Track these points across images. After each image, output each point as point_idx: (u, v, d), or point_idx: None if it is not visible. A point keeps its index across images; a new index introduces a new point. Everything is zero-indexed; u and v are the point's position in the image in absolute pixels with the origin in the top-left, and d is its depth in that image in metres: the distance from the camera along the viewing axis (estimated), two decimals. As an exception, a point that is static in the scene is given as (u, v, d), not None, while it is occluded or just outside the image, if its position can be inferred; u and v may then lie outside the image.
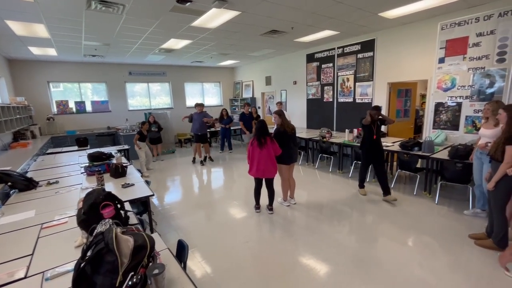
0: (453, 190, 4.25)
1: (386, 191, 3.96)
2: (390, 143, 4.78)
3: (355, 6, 3.97)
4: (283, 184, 3.94)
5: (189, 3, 3.51)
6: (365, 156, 4.19)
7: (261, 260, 2.68)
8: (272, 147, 3.52)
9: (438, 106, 4.72)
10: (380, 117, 3.94)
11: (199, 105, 6.55)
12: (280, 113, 3.80)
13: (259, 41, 6.02)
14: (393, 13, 4.36)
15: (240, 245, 2.95)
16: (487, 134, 3.18)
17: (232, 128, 8.10)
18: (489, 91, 4.13)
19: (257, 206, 3.77)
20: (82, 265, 1.12)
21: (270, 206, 3.72)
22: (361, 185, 4.30)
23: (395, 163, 5.20)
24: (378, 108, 3.94)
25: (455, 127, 4.55)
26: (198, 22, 4.40)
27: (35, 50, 6.01)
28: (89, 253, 1.17)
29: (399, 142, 4.57)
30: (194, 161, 6.79)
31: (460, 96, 4.45)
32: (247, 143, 6.79)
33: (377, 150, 4.03)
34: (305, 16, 4.39)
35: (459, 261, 2.54)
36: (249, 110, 7.27)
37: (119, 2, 3.44)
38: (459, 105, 4.47)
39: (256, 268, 2.56)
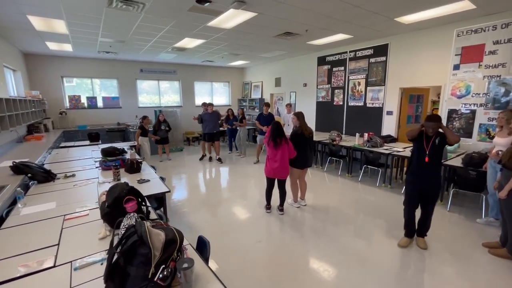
0: (464, 198, 4.22)
1: (422, 231, 2.90)
2: (401, 149, 4.77)
3: (372, 10, 3.97)
4: (292, 186, 3.95)
5: (208, 4, 3.55)
6: (409, 186, 2.83)
7: (273, 260, 2.70)
8: (287, 149, 3.54)
9: (452, 113, 4.69)
10: (440, 130, 2.61)
11: (211, 105, 6.63)
12: (299, 115, 3.79)
13: (272, 42, 6.05)
14: (409, 18, 4.35)
15: (252, 244, 2.97)
16: (501, 143, 3.17)
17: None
18: (504, 99, 4.10)
19: (268, 206, 3.79)
20: (116, 256, 1.15)
21: (280, 207, 3.74)
22: (406, 232, 2.94)
23: (405, 169, 5.16)
24: (436, 119, 2.60)
25: (468, 134, 4.51)
26: (214, 22, 4.45)
27: (52, 45, 6.13)
28: (121, 245, 1.20)
29: (411, 148, 4.54)
30: (202, 158, 6.92)
31: (474, 104, 4.41)
32: (259, 145, 6.76)
33: (430, 180, 2.69)
34: (320, 19, 4.40)
35: (470, 269, 2.52)
36: (269, 110, 6.75)
37: (139, 1, 3.50)
38: (473, 112, 4.44)
39: (268, 268, 2.58)
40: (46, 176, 2.89)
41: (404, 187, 2.86)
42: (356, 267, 2.55)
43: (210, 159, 6.86)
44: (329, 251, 2.82)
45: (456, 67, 4.54)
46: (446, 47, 4.68)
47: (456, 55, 4.52)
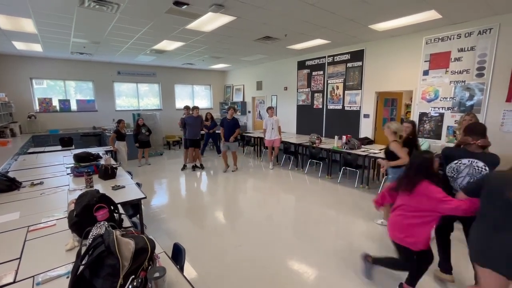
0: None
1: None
2: (377, 150, 4.95)
3: (347, 17, 4.12)
4: None
5: (185, 6, 3.51)
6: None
7: (253, 264, 2.68)
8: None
9: (422, 116, 4.95)
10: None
11: (196, 108, 6.16)
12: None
13: (252, 46, 6.09)
14: (382, 25, 4.55)
15: (232, 249, 2.94)
16: None
17: (217, 131, 7.96)
18: (469, 103, 4.39)
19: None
20: (81, 269, 1.09)
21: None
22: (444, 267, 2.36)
23: (381, 170, 5.36)
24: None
25: (438, 136, 4.78)
26: (193, 25, 4.41)
27: (19, 45, 5.78)
28: (87, 257, 1.14)
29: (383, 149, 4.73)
30: (184, 168, 6.38)
31: (442, 107, 4.69)
32: (224, 151, 6.03)
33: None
34: (298, 25, 4.50)
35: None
36: (233, 115, 6.08)
37: (113, 1, 3.39)
38: (442, 115, 4.71)
39: (248, 272, 2.56)
40: (10, 185, 2.70)
41: None
42: (337, 268, 2.60)
43: (194, 168, 6.36)
44: (310, 253, 2.86)
45: (426, 73, 4.81)
46: (416, 53, 4.95)
47: (425, 61, 4.80)
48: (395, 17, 4.15)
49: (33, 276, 1.35)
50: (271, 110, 6.30)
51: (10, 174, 3.13)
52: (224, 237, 3.21)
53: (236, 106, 7.36)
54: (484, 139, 2.10)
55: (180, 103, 10.10)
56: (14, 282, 1.32)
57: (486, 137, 2.13)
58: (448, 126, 4.63)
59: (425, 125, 4.94)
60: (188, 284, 1.29)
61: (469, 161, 2.12)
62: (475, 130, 2.14)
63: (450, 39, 4.48)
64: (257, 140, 7.72)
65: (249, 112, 9.95)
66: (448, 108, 4.62)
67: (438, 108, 4.73)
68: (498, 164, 2.05)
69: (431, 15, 4.01)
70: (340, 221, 3.67)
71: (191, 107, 6.38)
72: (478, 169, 2.08)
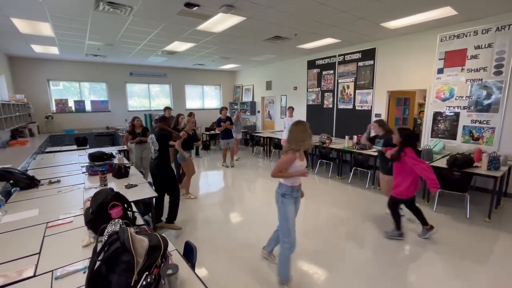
0: (450, 198, 4.31)
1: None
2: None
3: (358, 15, 4.06)
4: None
5: (196, 7, 3.56)
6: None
7: (264, 264, 2.69)
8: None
9: (437, 115, 4.82)
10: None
11: (169, 109, 6.11)
12: None
13: (262, 46, 6.10)
14: (394, 23, 4.46)
15: (243, 248, 2.95)
16: None
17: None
18: (486, 102, 4.24)
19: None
20: (97, 264, 1.12)
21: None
22: None
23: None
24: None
25: (453, 136, 4.64)
26: (204, 26, 4.46)
27: (37, 48, 6.00)
28: (103, 253, 1.18)
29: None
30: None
31: (458, 106, 4.55)
32: (224, 148, 6.31)
33: None
34: (309, 24, 4.47)
35: (455, 268, 2.58)
36: (227, 114, 6.41)
37: (127, 4, 3.47)
38: (457, 115, 4.57)
39: (259, 271, 2.57)
40: (29, 183, 2.81)
41: None
42: (347, 268, 2.57)
43: None
44: (320, 253, 2.84)
45: (440, 71, 4.68)
46: (430, 51, 4.82)
47: (440, 59, 4.67)
48: (408, 15, 4.06)
49: (51, 271, 1.40)
50: (289, 110, 6.32)
51: (29, 172, 3.26)
52: (235, 236, 3.23)
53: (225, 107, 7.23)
54: None
55: (190, 103, 10.25)
56: (34, 276, 1.37)
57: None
58: (464, 126, 4.49)
59: (440, 125, 4.81)
60: (199, 282, 1.31)
61: None
62: None
63: (466, 36, 4.34)
64: (266, 140, 7.72)
65: (259, 112, 9.96)
66: (464, 107, 4.48)
67: (454, 107, 4.60)
68: None
69: (446, 11, 3.90)
70: (351, 222, 3.62)
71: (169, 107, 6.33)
72: None
